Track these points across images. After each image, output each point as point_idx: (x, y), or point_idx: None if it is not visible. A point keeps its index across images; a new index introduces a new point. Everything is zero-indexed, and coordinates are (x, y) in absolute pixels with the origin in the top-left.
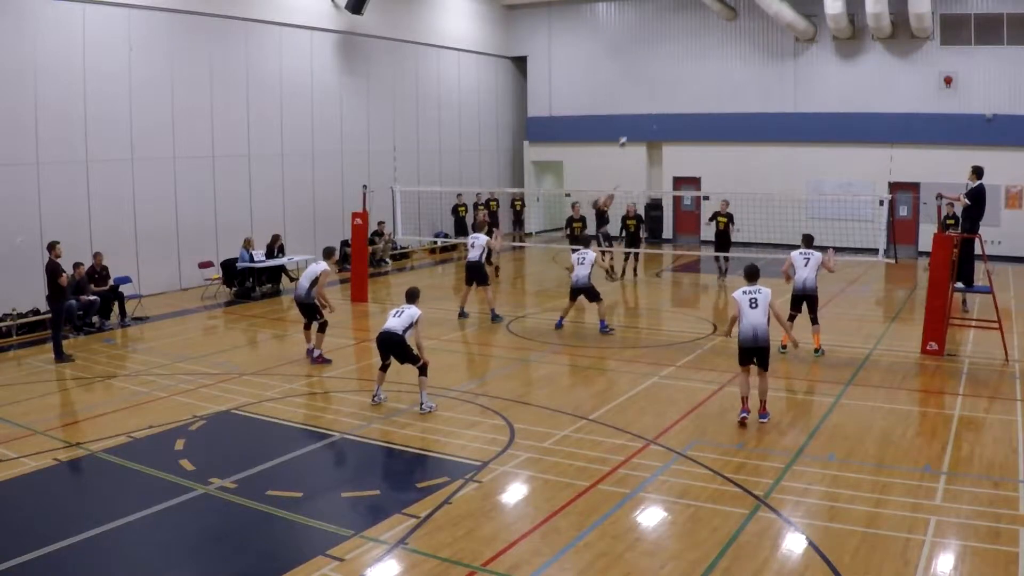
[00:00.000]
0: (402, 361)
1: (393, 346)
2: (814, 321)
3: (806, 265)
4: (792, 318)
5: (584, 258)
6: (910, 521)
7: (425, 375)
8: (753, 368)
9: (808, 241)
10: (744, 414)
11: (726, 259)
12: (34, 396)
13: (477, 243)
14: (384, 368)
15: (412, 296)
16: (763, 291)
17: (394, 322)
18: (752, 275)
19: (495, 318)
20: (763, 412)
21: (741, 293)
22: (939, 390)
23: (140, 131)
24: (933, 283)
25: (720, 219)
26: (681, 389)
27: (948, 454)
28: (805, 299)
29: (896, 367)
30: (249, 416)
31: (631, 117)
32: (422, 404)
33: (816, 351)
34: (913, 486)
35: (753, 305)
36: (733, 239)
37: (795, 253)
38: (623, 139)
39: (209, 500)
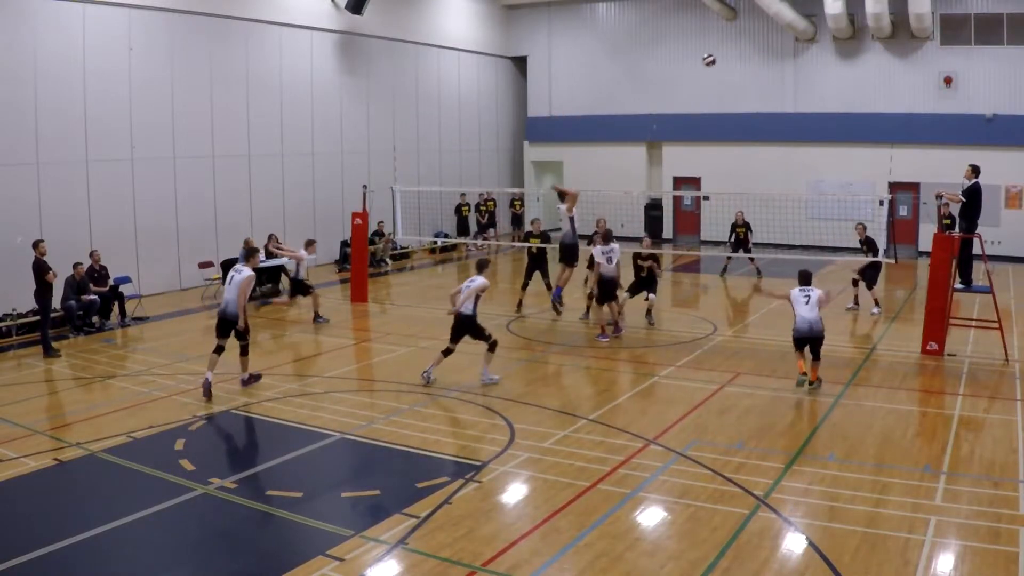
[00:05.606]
0: (474, 337)
1: (463, 325)
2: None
3: (807, 303)
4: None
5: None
6: (910, 521)
7: (492, 351)
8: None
9: (806, 279)
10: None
11: (751, 259)
12: (34, 396)
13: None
14: (447, 352)
15: (480, 266)
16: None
17: (466, 304)
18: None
19: None
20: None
21: (798, 291)
22: (939, 390)
23: (140, 131)
24: (933, 283)
25: (739, 230)
26: (681, 389)
27: (948, 454)
28: (811, 341)
29: (896, 367)
30: (249, 416)
31: (631, 117)
32: (484, 374)
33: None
34: (913, 486)
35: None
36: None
37: (794, 291)
38: (709, 57)
39: (209, 500)
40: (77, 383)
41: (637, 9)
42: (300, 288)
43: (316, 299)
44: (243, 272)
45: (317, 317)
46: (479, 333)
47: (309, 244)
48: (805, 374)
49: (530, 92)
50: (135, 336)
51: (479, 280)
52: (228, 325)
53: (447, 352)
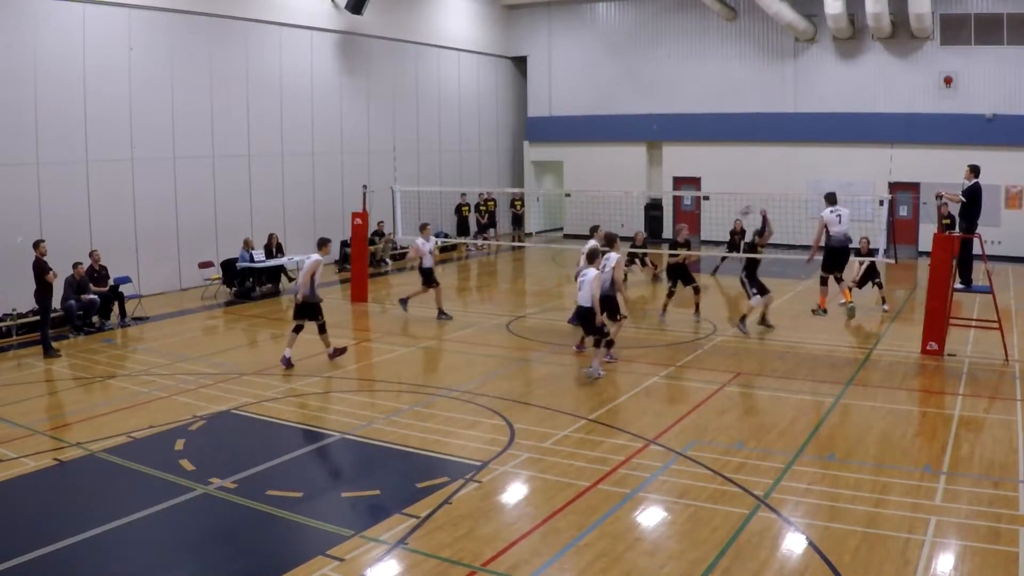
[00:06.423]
0: (586, 331)
1: (582, 317)
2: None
3: (839, 221)
4: (824, 280)
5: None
6: (910, 521)
7: (598, 347)
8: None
9: (832, 199)
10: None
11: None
12: (34, 396)
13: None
14: (608, 344)
15: (590, 257)
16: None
17: (580, 295)
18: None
19: None
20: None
21: (829, 211)
22: (939, 390)
23: (140, 131)
24: (933, 283)
25: (735, 237)
26: (681, 389)
27: (948, 454)
28: (842, 253)
29: (896, 367)
30: (249, 416)
31: (631, 117)
32: (592, 370)
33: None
34: (913, 486)
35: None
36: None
37: (825, 212)
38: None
39: (209, 500)
40: (77, 383)
41: (637, 9)
42: (429, 278)
43: (439, 293)
44: (311, 257)
45: (441, 313)
46: (595, 328)
47: (423, 228)
48: (825, 310)
49: (530, 92)
50: (135, 336)
51: (592, 272)
52: (304, 307)
53: (608, 344)
